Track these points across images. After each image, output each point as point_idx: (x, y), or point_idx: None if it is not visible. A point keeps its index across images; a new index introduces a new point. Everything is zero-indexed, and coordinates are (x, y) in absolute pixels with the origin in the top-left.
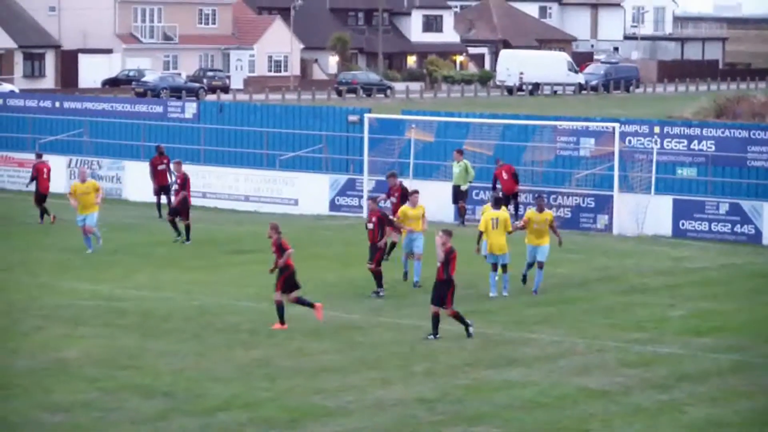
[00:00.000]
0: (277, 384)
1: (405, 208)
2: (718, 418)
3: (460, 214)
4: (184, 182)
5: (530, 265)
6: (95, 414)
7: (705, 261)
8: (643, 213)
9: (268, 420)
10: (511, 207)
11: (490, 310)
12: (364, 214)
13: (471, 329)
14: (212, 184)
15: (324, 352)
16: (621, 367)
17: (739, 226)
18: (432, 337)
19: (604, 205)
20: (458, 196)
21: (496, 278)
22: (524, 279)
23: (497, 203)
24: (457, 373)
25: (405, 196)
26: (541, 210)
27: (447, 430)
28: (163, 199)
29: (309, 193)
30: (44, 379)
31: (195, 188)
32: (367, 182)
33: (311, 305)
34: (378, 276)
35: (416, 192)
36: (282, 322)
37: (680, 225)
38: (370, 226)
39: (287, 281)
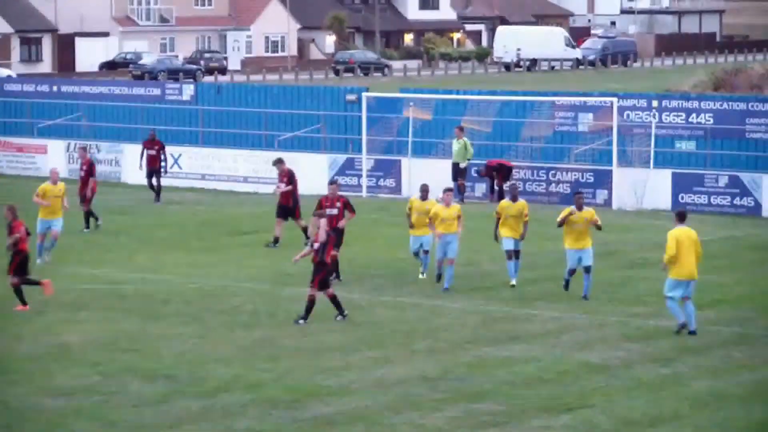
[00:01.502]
0: (279, 364)
1: (438, 209)
2: (721, 390)
3: (460, 191)
4: (90, 168)
5: (572, 272)
6: (97, 398)
7: (705, 234)
8: (642, 187)
9: (271, 400)
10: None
11: (491, 287)
12: (364, 193)
13: (340, 317)
14: (211, 165)
15: (325, 331)
16: (622, 342)
17: (738, 198)
18: (302, 321)
19: (603, 179)
20: (457, 173)
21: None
22: (566, 285)
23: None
24: (458, 350)
25: (292, 181)
26: (580, 208)
27: (449, 408)
28: (153, 181)
29: (308, 173)
30: (46, 363)
31: (194, 170)
32: (365, 161)
33: (38, 283)
34: (336, 263)
35: (450, 190)
36: (23, 303)
37: (679, 198)
38: (335, 211)
39: (21, 265)
